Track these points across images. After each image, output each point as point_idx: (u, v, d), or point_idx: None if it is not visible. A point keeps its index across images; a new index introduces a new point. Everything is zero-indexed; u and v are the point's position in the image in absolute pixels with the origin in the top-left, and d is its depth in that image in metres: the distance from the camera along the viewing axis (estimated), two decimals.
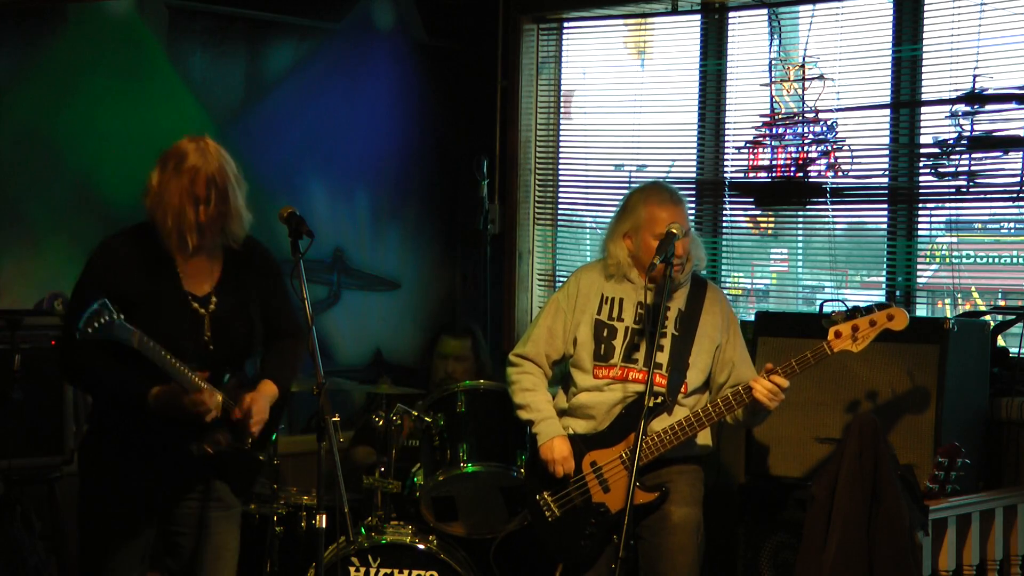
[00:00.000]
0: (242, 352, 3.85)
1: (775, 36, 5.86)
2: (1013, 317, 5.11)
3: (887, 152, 5.61)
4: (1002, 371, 5.02)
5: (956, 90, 5.32)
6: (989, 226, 5.50)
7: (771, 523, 4.80)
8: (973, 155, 5.26)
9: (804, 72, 5.74)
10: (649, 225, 4.33)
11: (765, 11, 5.90)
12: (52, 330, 4.69)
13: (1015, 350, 5.05)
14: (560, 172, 6.78)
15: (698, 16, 6.23)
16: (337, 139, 6.39)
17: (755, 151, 5.88)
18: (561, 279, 6.65)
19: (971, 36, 5.30)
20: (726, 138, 6.13)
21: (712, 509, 4.49)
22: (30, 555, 4.65)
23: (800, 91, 5.75)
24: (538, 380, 4.47)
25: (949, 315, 5.37)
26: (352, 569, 4.77)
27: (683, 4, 6.28)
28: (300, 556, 4.93)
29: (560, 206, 6.79)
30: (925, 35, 5.47)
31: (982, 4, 5.27)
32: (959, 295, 5.47)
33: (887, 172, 5.62)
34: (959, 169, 5.29)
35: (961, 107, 5.28)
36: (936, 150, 5.37)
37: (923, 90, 5.50)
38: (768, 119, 5.84)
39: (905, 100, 5.53)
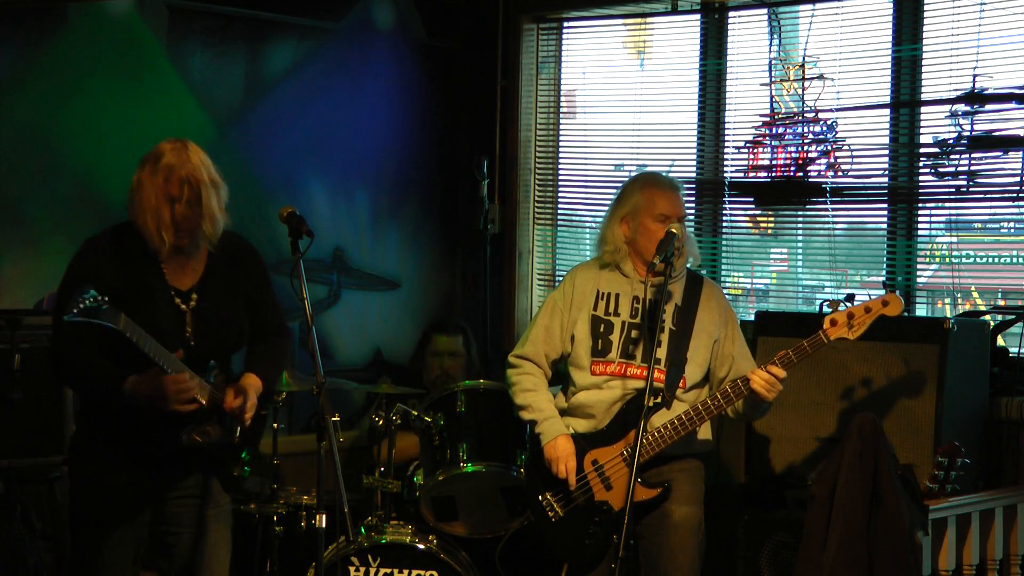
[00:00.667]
0: (226, 348, 3.90)
1: (775, 36, 5.86)
2: (1013, 317, 5.11)
3: (887, 152, 5.61)
4: (1002, 371, 5.02)
5: (956, 90, 5.32)
6: (989, 226, 5.50)
7: (771, 523, 4.80)
8: (973, 155, 5.26)
9: (804, 72, 5.74)
10: (647, 208, 4.36)
11: (765, 11, 5.90)
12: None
13: (1015, 350, 5.05)
14: (560, 172, 6.78)
15: (698, 16, 6.23)
16: (337, 139, 6.39)
17: (755, 151, 5.88)
18: (561, 279, 6.64)
19: (971, 36, 5.30)
20: (726, 138, 6.13)
21: (712, 508, 4.49)
22: (30, 555, 4.65)
23: (800, 91, 5.75)
24: (538, 380, 4.48)
25: (949, 315, 5.37)
26: (352, 569, 4.77)
27: (683, 4, 6.28)
28: (300, 556, 4.93)
29: (560, 206, 6.79)
30: (925, 35, 5.47)
31: (982, 4, 5.27)
32: (959, 295, 5.47)
33: (887, 172, 5.62)
34: (959, 169, 5.29)
35: (961, 107, 5.28)
36: (936, 150, 5.37)
37: (923, 90, 5.50)
38: (768, 119, 5.84)
39: (905, 100, 5.53)
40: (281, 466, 5.11)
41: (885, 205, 5.63)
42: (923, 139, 5.50)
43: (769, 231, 6.17)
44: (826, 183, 5.69)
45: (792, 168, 5.76)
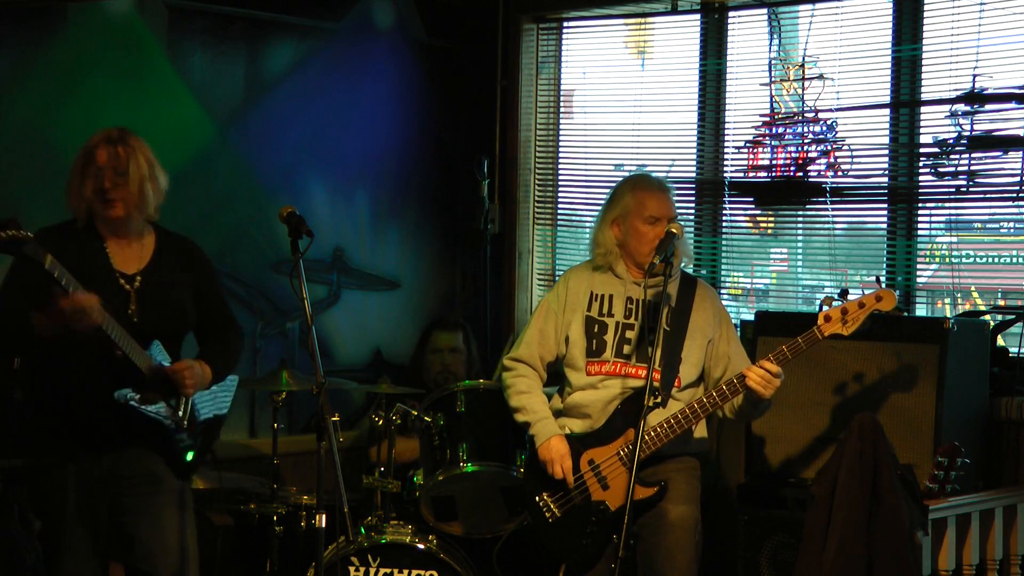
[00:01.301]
0: (170, 326, 4.00)
1: (775, 36, 5.86)
2: (1013, 317, 5.12)
3: (887, 152, 5.61)
4: (1002, 371, 5.02)
5: (956, 90, 5.32)
6: (989, 226, 5.50)
7: (771, 523, 4.80)
8: (973, 155, 5.26)
9: (804, 72, 5.74)
10: (637, 210, 4.39)
11: (765, 11, 5.90)
12: None
13: (1015, 350, 5.05)
14: (560, 172, 6.78)
15: (698, 16, 6.23)
16: (337, 139, 6.39)
17: (755, 151, 5.88)
18: None
19: (971, 36, 5.30)
20: (726, 138, 6.13)
21: (712, 508, 4.49)
22: (27, 554, 4.64)
23: (800, 91, 5.75)
24: (532, 382, 4.49)
25: (949, 315, 5.37)
26: (352, 569, 4.77)
27: (683, 4, 6.28)
28: (300, 556, 4.93)
29: (560, 206, 6.79)
30: (925, 35, 5.47)
31: (982, 4, 5.27)
32: (959, 295, 5.47)
33: (887, 172, 5.62)
34: (959, 169, 5.30)
35: (961, 107, 5.28)
36: (936, 150, 5.37)
37: (923, 90, 5.50)
38: (768, 119, 5.84)
39: (905, 100, 5.53)
40: (281, 466, 5.11)
41: (885, 205, 5.63)
42: (923, 139, 5.50)
43: (769, 231, 6.17)
44: (826, 183, 5.69)
45: (792, 168, 5.76)
